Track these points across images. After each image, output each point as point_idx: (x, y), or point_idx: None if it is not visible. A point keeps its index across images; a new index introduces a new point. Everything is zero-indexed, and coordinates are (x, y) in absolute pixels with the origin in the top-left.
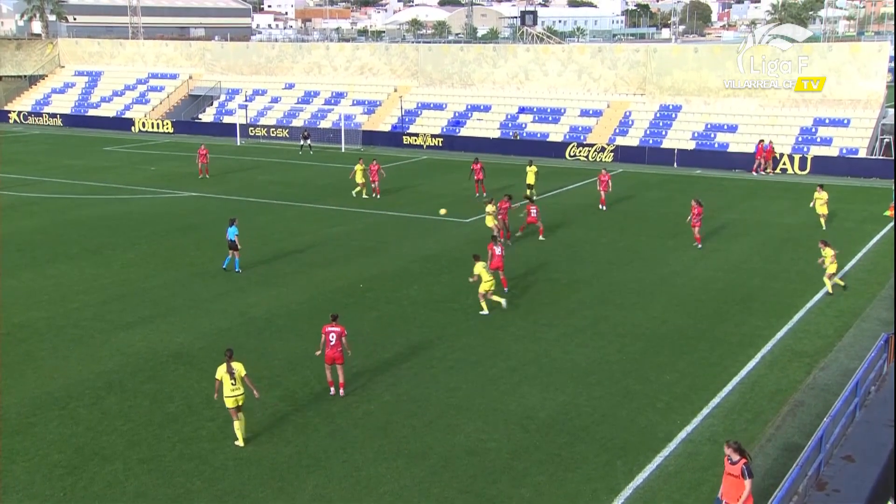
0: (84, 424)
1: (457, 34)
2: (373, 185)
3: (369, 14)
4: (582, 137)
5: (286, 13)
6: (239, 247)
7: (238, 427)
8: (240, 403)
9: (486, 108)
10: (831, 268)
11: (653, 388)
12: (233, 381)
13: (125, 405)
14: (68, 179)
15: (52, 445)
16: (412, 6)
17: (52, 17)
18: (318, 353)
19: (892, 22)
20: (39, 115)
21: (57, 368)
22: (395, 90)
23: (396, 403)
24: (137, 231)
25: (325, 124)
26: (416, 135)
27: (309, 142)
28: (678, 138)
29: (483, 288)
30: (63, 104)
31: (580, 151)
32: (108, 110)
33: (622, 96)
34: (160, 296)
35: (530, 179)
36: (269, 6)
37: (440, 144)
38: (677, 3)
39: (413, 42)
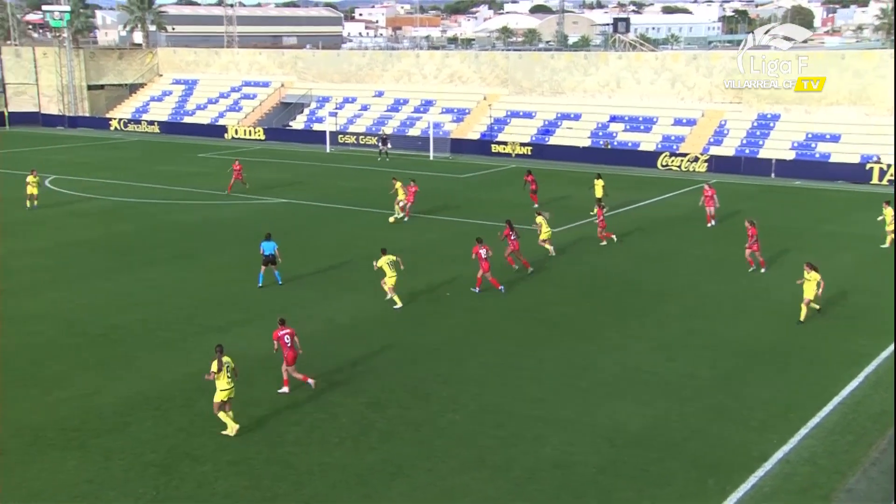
0: (176, 425)
1: (547, 42)
2: (406, 205)
3: (459, 22)
4: (675, 147)
5: (377, 21)
6: (279, 260)
7: (226, 417)
8: (232, 396)
9: (577, 117)
10: (809, 291)
11: (747, 406)
12: (228, 376)
13: None
14: (163, 185)
15: (146, 445)
16: (503, 14)
17: (153, 28)
18: (276, 349)
19: None
20: (138, 122)
21: (150, 370)
22: (485, 98)
23: (482, 413)
24: (228, 236)
25: (413, 132)
26: (505, 143)
27: (388, 146)
28: (776, 148)
29: (389, 283)
30: (160, 112)
31: (672, 161)
32: (202, 117)
33: (717, 105)
34: (249, 301)
35: (598, 193)
36: (361, 14)
37: (529, 153)
38: (778, 8)
39: (503, 50)
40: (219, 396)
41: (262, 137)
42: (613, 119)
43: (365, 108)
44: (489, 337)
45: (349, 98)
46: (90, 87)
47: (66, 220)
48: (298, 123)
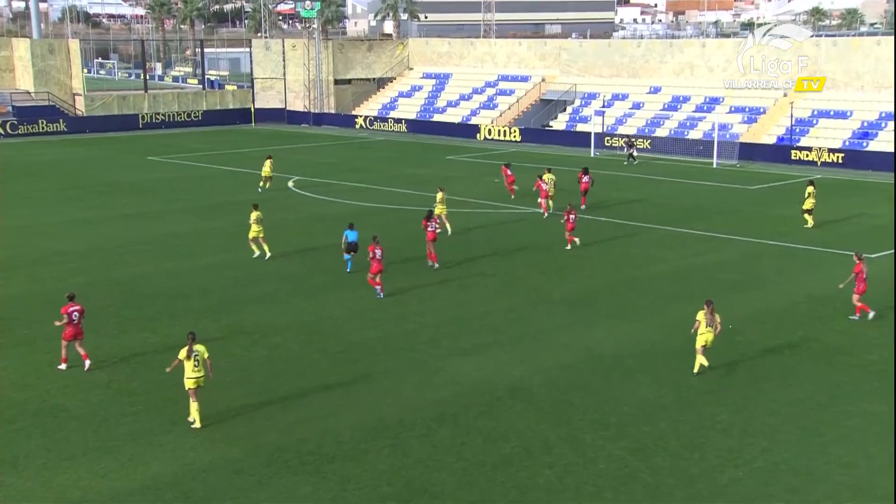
0: (414, 457)
1: (872, 24)
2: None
3: (757, 3)
4: None
5: (655, 5)
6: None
7: (195, 409)
8: (200, 384)
9: None
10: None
11: None
12: (195, 364)
13: (457, 441)
14: (410, 189)
15: (382, 476)
16: None
17: (405, 16)
18: (58, 323)
19: None
20: (385, 120)
21: (390, 393)
22: (785, 95)
23: (773, 473)
24: (477, 250)
25: (694, 135)
26: (809, 149)
27: (633, 151)
28: None
29: (251, 234)
30: (409, 109)
31: None
32: (453, 116)
33: None
34: (498, 322)
35: (808, 204)
36: None
37: (840, 161)
38: None
39: (812, 36)
40: (188, 384)
41: (518, 139)
42: None
43: (637, 106)
44: (783, 381)
45: (619, 95)
46: (337, 82)
47: (308, 225)
48: (559, 123)
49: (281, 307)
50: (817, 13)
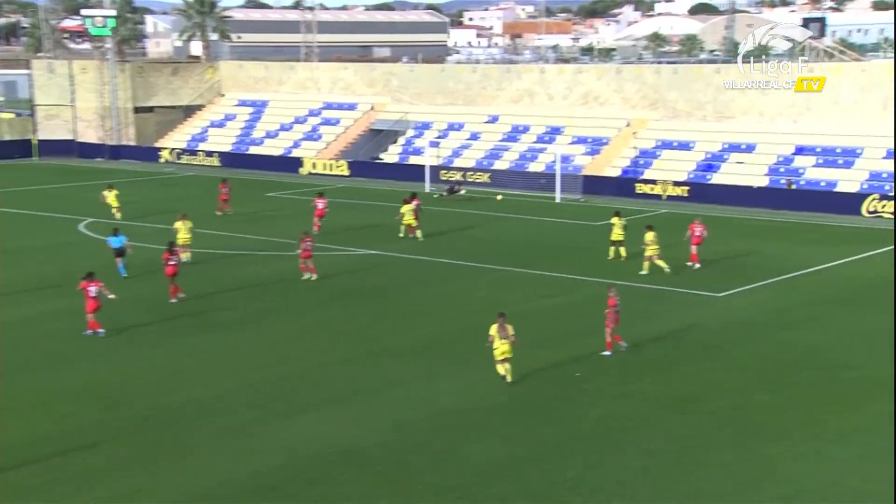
0: None
1: (711, 51)
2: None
3: (596, 27)
4: (888, 188)
5: (491, 27)
6: (129, 251)
7: None
8: None
9: (750, 148)
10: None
11: None
12: None
13: None
14: (225, 231)
15: None
16: (653, 16)
17: (214, 37)
18: None
19: None
20: (194, 153)
21: (204, 464)
22: (628, 125)
23: None
24: (305, 296)
25: (535, 167)
26: (654, 182)
27: (446, 190)
28: None
29: None
30: (222, 140)
31: (885, 206)
32: (272, 147)
33: None
34: (329, 377)
35: (616, 235)
36: (471, 20)
37: (686, 194)
38: None
39: (653, 62)
40: None
41: (346, 173)
42: (800, 151)
43: (475, 136)
44: (636, 432)
45: (455, 124)
46: (137, 110)
47: (102, 275)
48: (391, 156)
49: (71, 370)
50: (657, 38)
